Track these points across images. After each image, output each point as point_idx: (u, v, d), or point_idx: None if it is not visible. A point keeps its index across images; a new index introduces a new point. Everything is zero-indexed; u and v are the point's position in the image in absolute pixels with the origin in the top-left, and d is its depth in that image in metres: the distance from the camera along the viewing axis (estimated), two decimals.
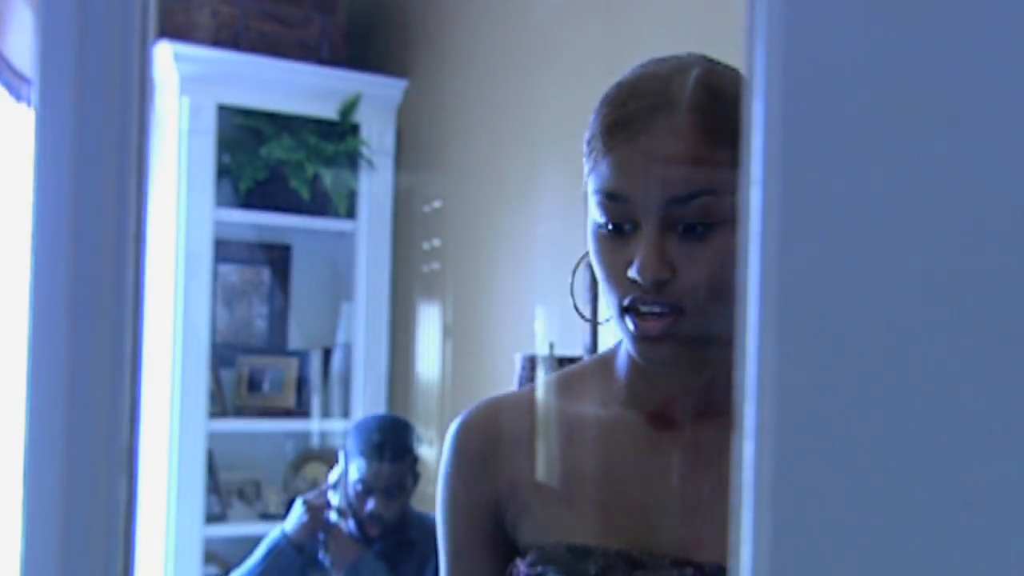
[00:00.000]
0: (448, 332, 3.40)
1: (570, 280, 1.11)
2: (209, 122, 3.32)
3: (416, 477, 2.73)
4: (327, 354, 3.66)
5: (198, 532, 3.30)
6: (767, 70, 0.26)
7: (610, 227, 0.99)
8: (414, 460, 2.74)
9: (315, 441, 3.68)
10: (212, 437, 3.37)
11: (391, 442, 2.69)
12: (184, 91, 3.28)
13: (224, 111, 3.37)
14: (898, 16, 0.26)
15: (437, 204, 3.48)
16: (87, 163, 0.29)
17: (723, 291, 0.97)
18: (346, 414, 3.57)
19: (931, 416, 0.25)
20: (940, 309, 0.26)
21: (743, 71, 0.27)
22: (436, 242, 3.47)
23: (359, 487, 2.65)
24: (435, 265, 3.48)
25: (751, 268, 0.26)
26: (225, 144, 3.41)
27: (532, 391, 1.13)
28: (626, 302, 0.98)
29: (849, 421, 0.26)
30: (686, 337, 0.97)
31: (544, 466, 1.06)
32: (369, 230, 3.55)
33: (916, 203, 0.26)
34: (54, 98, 0.30)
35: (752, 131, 0.26)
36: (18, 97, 2.82)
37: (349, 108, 3.48)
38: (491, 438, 1.09)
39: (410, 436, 2.78)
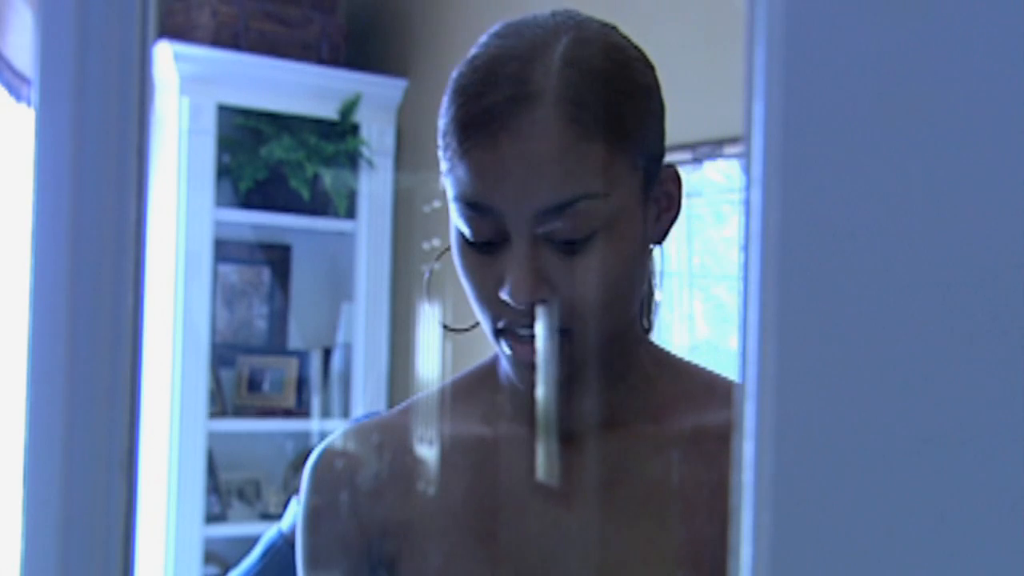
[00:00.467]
0: (448, 332, 3.39)
1: (425, 278, 0.93)
2: (209, 122, 3.32)
3: None
4: (327, 354, 3.66)
5: (198, 532, 3.30)
6: (767, 70, 0.26)
7: (475, 240, 0.83)
8: None
9: (315, 441, 3.68)
10: (212, 437, 3.37)
11: None
12: (184, 91, 3.28)
13: (224, 111, 3.37)
14: (899, 15, 0.26)
15: (437, 204, 3.48)
16: (87, 163, 0.29)
17: (614, 302, 0.83)
18: (346, 414, 3.57)
19: (933, 416, 0.25)
20: (942, 309, 0.26)
21: (743, 68, 0.27)
22: (436, 242, 3.47)
23: None
24: (435, 265, 3.48)
25: (751, 268, 0.26)
26: (225, 144, 3.41)
27: (401, 413, 0.96)
28: (500, 324, 0.84)
29: (849, 421, 0.26)
30: (574, 360, 0.83)
31: (420, 499, 0.90)
32: (369, 230, 3.55)
33: (917, 203, 0.26)
34: (54, 98, 0.30)
35: (752, 131, 0.26)
36: (18, 97, 2.82)
37: (349, 108, 3.48)
38: (353, 473, 0.92)
39: None
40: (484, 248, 0.83)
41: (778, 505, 0.25)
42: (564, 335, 0.82)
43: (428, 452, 0.93)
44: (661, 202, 0.87)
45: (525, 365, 0.83)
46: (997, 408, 0.25)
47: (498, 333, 0.84)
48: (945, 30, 0.26)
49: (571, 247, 0.80)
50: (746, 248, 0.26)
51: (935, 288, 0.26)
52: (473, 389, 0.96)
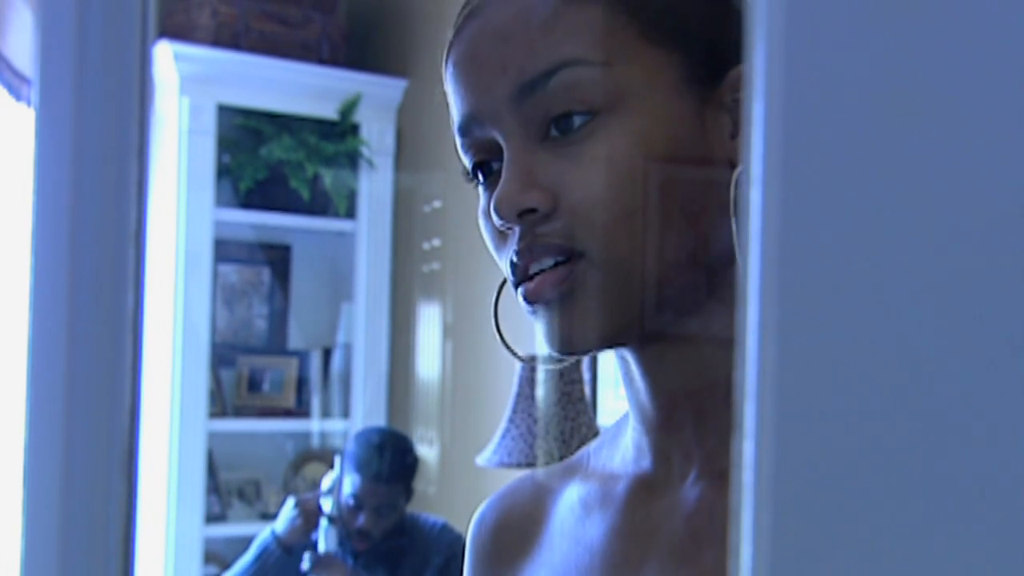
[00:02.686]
0: (448, 332, 3.40)
1: (493, 304, 0.74)
2: (209, 122, 3.32)
3: (410, 493, 2.72)
4: (327, 354, 3.66)
5: (198, 532, 3.30)
6: (767, 70, 0.26)
7: (479, 175, 0.68)
8: (410, 478, 2.72)
9: (315, 441, 3.68)
10: (212, 437, 3.37)
11: (388, 462, 2.68)
12: (184, 91, 3.28)
13: (224, 111, 3.37)
14: (900, 15, 0.26)
15: (437, 204, 3.48)
16: (87, 163, 0.29)
17: (639, 213, 0.62)
18: (346, 414, 3.57)
19: (933, 416, 0.25)
20: (942, 308, 0.26)
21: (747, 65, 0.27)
22: (436, 242, 3.47)
23: (351, 502, 2.64)
24: (435, 265, 3.48)
25: (751, 268, 0.26)
26: (225, 144, 3.42)
27: (556, 470, 0.80)
28: (511, 272, 0.65)
29: (849, 421, 0.26)
30: (601, 293, 0.62)
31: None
32: (369, 230, 3.56)
33: (918, 202, 0.26)
34: (54, 98, 0.30)
35: (752, 131, 0.26)
36: (18, 97, 2.82)
37: (349, 108, 3.49)
38: (498, 537, 0.79)
39: (408, 454, 2.76)
40: (488, 182, 0.67)
41: (778, 505, 0.25)
42: (580, 257, 0.63)
43: (555, 516, 0.77)
44: (735, 112, 0.65)
45: (543, 310, 0.64)
46: (1001, 407, 0.25)
47: (516, 288, 0.65)
48: (947, 29, 0.26)
49: (569, 138, 0.63)
50: (746, 248, 0.26)
51: (937, 287, 0.26)
52: (614, 435, 0.77)
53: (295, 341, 3.72)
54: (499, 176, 0.65)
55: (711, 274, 0.65)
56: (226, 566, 3.43)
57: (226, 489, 3.53)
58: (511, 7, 0.65)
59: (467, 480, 3.20)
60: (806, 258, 0.26)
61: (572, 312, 0.63)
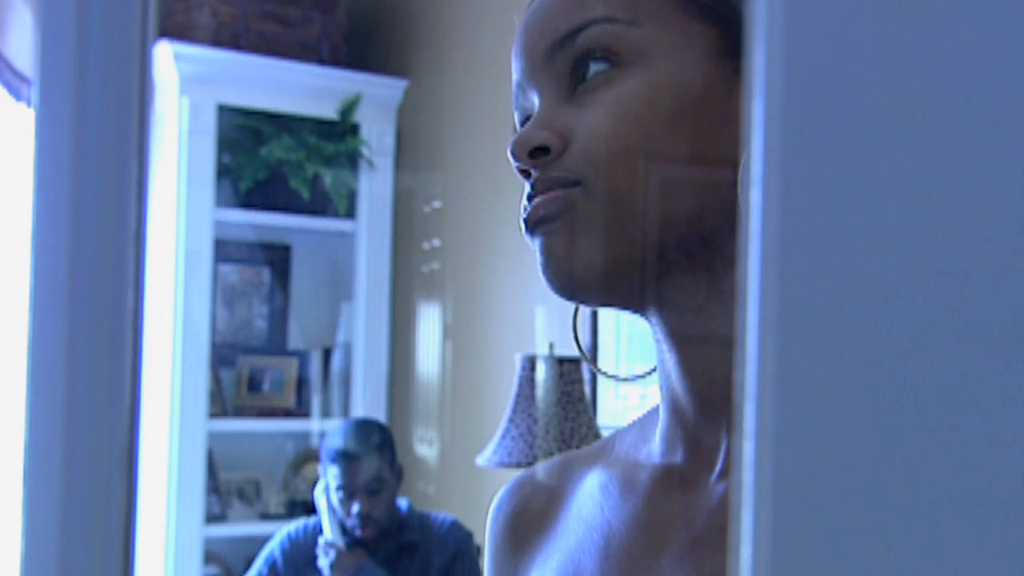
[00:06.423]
0: (448, 332, 3.40)
1: (572, 319, 0.77)
2: (209, 122, 3.32)
3: (398, 472, 2.72)
4: (327, 354, 3.66)
5: (198, 532, 3.30)
6: (767, 70, 0.26)
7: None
8: (389, 455, 2.71)
9: (315, 441, 3.68)
10: (212, 437, 3.37)
11: (357, 439, 2.69)
12: (184, 91, 3.28)
13: (224, 111, 3.37)
14: (900, 15, 0.26)
15: (437, 204, 3.48)
16: (87, 163, 0.29)
17: (641, 155, 0.64)
18: (346, 414, 3.57)
19: (933, 416, 0.25)
20: (943, 309, 0.26)
21: (746, 63, 0.27)
22: (436, 242, 3.47)
23: (340, 493, 2.63)
24: (435, 265, 3.48)
25: (751, 268, 0.26)
26: (225, 144, 3.42)
27: (579, 455, 0.81)
28: (522, 212, 0.68)
29: (849, 421, 0.26)
30: (594, 222, 0.65)
31: (561, 560, 0.75)
32: (369, 230, 3.55)
33: (918, 203, 0.26)
34: (54, 98, 0.30)
35: (752, 131, 0.26)
36: (18, 97, 2.82)
37: (349, 108, 3.49)
38: (516, 524, 0.79)
39: (375, 432, 2.76)
40: None
41: (778, 505, 0.25)
42: (574, 185, 0.65)
43: (574, 505, 0.77)
44: None
45: (537, 233, 0.66)
46: (1001, 408, 0.25)
47: (526, 223, 0.68)
48: (948, 29, 0.26)
49: (590, 86, 0.66)
50: (746, 248, 0.26)
51: (937, 287, 0.26)
52: (633, 429, 0.78)
53: (295, 341, 3.72)
54: None
55: (718, 241, 0.66)
56: (227, 566, 3.43)
57: (226, 489, 3.53)
58: None
59: (467, 480, 3.20)
60: (806, 258, 0.26)
61: (565, 238, 0.65)
